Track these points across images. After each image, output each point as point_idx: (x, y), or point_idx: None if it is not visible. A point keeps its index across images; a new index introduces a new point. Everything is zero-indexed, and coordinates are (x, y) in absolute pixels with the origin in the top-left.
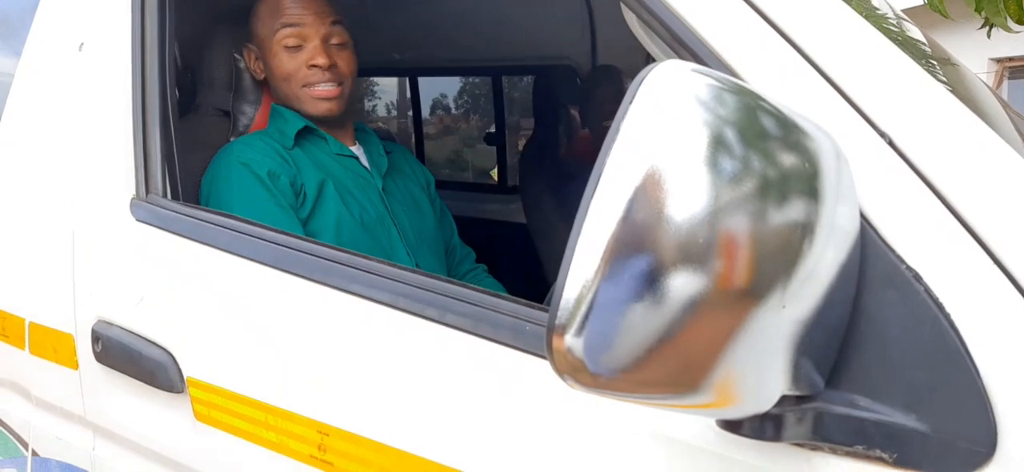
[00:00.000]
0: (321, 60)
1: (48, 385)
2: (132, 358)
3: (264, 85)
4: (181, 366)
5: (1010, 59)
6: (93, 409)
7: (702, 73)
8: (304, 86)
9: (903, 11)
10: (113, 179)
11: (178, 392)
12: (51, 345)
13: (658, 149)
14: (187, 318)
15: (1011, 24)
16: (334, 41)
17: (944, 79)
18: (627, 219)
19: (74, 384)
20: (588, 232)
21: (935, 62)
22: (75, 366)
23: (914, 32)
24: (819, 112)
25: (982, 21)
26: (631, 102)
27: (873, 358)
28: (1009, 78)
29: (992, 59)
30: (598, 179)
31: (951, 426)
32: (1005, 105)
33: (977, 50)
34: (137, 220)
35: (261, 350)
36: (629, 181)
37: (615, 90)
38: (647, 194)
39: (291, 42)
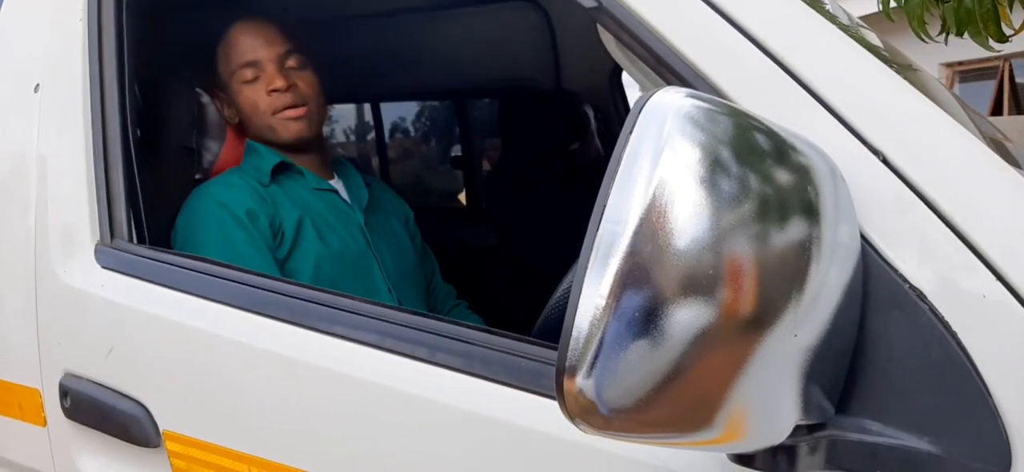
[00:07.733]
0: (279, 83)
1: (14, 445)
2: (103, 413)
3: (229, 123)
4: (156, 419)
5: (960, 63)
6: (63, 468)
7: (696, 98)
8: (273, 113)
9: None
10: (76, 225)
11: (154, 447)
12: (16, 402)
13: (660, 178)
14: (160, 368)
15: (991, 43)
16: (290, 64)
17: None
18: (633, 253)
19: (42, 442)
20: (594, 268)
21: (896, 68)
22: (43, 423)
23: (873, 39)
24: (810, 131)
25: (939, 27)
26: (631, 132)
27: (881, 381)
28: (960, 82)
29: (942, 64)
30: (602, 212)
31: (964, 447)
32: (965, 107)
33: (928, 55)
34: (102, 267)
35: (241, 399)
36: (633, 213)
37: (574, 113)
38: (652, 225)
39: (249, 76)
